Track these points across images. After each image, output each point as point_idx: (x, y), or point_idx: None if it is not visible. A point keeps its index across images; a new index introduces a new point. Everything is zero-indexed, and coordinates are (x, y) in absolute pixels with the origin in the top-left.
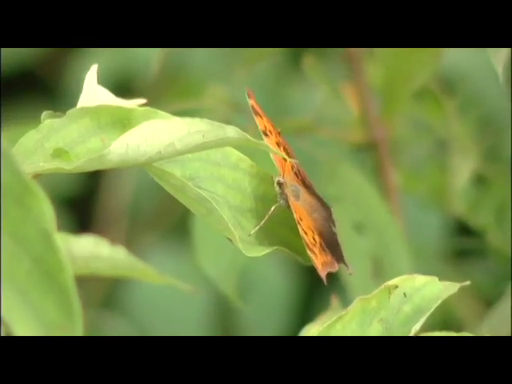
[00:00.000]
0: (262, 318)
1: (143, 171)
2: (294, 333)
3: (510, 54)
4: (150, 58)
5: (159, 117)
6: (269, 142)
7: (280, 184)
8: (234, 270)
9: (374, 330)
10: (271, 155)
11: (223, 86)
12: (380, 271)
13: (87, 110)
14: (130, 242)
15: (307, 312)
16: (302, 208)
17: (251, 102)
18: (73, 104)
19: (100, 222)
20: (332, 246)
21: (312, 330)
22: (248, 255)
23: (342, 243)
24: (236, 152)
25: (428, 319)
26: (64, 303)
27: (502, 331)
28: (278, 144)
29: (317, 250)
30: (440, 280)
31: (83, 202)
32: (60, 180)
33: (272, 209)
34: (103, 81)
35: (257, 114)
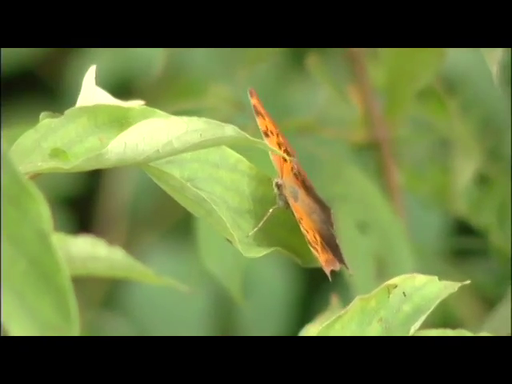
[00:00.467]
0: (262, 318)
1: (142, 171)
2: (294, 333)
3: (503, 54)
4: (153, 59)
5: (157, 116)
6: (269, 143)
7: (278, 186)
8: (238, 268)
9: (374, 329)
10: (271, 156)
11: (225, 86)
12: (383, 271)
13: (85, 110)
14: (130, 242)
15: (307, 312)
16: (301, 209)
17: (253, 101)
18: (73, 104)
19: (100, 223)
20: (331, 247)
21: (312, 329)
22: (247, 256)
23: (341, 245)
24: (234, 153)
25: (428, 319)
26: (61, 304)
27: (503, 331)
28: (279, 145)
29: (319, 248)
30: (440, 279)
31: (83, 202)
32: (60, 180)
33: (270, 210)
34: (103, 81)
35: (258, 113)
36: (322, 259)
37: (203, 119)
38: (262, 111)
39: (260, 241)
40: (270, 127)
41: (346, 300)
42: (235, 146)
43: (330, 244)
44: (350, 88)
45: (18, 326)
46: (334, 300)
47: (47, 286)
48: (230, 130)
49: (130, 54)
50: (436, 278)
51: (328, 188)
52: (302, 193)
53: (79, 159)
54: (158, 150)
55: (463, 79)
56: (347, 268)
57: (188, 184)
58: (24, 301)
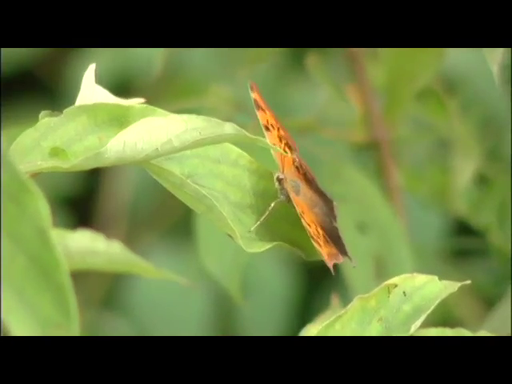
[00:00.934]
0: (262, 318)
1: (142, 170)
2: (294, 333)
3: (504, 54)
4: (153, 58)
5: (156, 114)
6: (270, 137)
7: (280, 180)
8: (237, 267)
9: (374, 329)
10: (272, 150)
11: (225, 86)
12: (383, 271)
13: (84, 108)
14: (129, 242)
15: (307, 312)
16: (302, 203)
17: (254, 95)
18: (72, 104)
19: (99, 222)
20: (334, 240)
21: (312, 329)
22: (249, 251)
23: (343, 237)
24: (235, 148)
25: (428, 318)
26: (60, 301)
27: (503, 331)
28: (279, 138)
29: (321, 242)
30: (440, 279)
31: (83, 201)
32: (59, 180)
33: (272, 204)
34: (103, 81)
35: (259, 107)
36: (325, 253)
37: (202, 117)
38: (263, 105)
39: (262, 235)
40: (271, 121)
41: (346, 299)
42: (235, 142)
43: (333, 237)
44: (349, 88)
45: (18, 323)
46: (335, 299)
47: (47, 282)
48: (229, 128)
49: (129, 53)
50: (436, 277)
51: (327, 188)
52: (303, 186)
53: (78, 158)
54: (158, 149)
55: (463, 79)
56: (350, 260)
57: (188, 180)
58: (23, 297)
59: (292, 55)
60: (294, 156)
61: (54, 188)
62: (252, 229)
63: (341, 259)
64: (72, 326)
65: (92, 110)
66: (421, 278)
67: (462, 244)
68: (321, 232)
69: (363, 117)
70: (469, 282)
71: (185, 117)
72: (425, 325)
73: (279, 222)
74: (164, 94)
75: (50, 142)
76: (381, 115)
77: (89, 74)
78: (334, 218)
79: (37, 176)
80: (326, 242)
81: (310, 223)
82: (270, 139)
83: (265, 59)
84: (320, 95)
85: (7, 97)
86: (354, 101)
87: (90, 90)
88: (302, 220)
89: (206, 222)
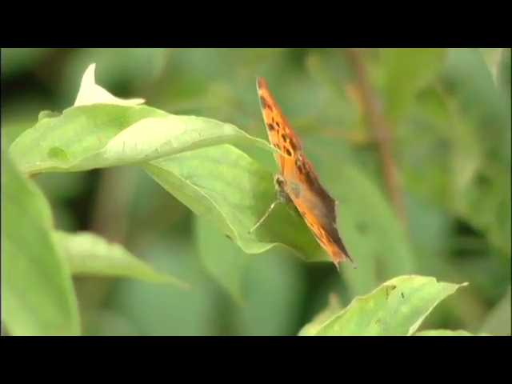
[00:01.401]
0: (262, 318)
1: (142, 171)
2: (294, 333)
3: (504, 54)
4: (153, 58)
5: (156, 115)
6: (273, 136)
7: (279, 182)
8: (237, 268)
9: (372, 330)
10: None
11: (225, 86)
12: (383, 271)
13: (83, 109)
14: (129, 242)
15: (307, 312)
16: (302, 205)
17: (261, 92)
18: (72, 104)
19: (99, 223)
20: (335, 241)
21: (311, 329)
22: (248, 252)
23: (343, 239)
24: (235, 149)
25: (427, 319)
26: (61, 303)
27: (503, 331)
28: (283, 137)
29: (325, 241)
30: (439, 280)
31: (82, 202)
32: (59, 180)
33: (272, 206)
34: (103, 81)
35: (266, 105)
36: (330, 251)
37: (202, 118)
38: (270, 102)
39: (261, 236)
40: (277, 119)
41: (345, 300)
42: (235, 144)
43: (333, 238)
44: (349, 88)
45: (19, 325)
46: (334, 300)
47: (48, 284)
48: (228, 129)
49: (129, 53)
50: (434, 279)
51: (328, 188)
52: (303, 188)
53: (78, 159)
54: (157, 150)
55: (463, 79)
56: (352, 261)
57: (187, 181)
58: (24, 299)
59: (292, 55)
60: (298, 155)
61: (54, 189)
62: (251, 230)
63: (344, 258)
64: (72, 329)
65: (91, 110)
66: (419, 280)
67: (462, 244)
68: (323, 232)
69: (363, 117)
70: (467, 283)
71: (184, 118)
72: (424, 325)
73: (279, 224)
74: (164, 94)
75: (49, 142)
76: (381, 115)
77: (88, 75)
78: (334, 219)
79: (36, 177)
80: (329, 241)
81: (313, 223)
82: (272, 138)
83: (265, 59)
84: (320, 95)
85: (7, 97)
86: (354, 101)
87: (90, 91)
88: (305, 219)
89: (206, 222)
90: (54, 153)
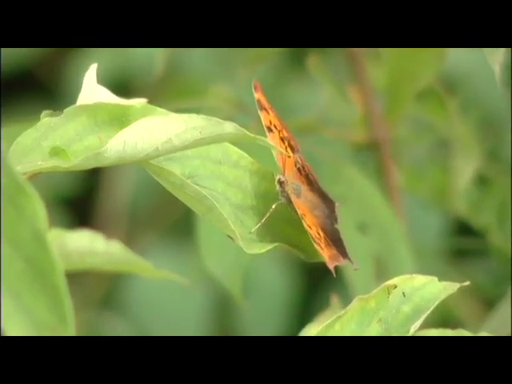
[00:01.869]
0: (262, 318)
1: (142, 170)
2: (294, 333)
3: (506, 54)
4: (153, 58)
5: (156, 113)
6: (272, 138)
7: (281, 182)
8: (238, 268)
9: (373, 330)
10: (273, 152)
11: (225, 86)
12: (383, 271)
13: (84, 108)
14: (129, 242)
15: (307, 312)
16: (303, 205)
17: (257, 95)
18: (73, 104)
19: (99, 222)
20: (335, 242)
21: (312, 329)
22: (249, 252)
23: (344, 240)
24: (237, 149)
25: (428, 319)
26: (56, 304)
27: (503, 331)
28: (282, 139)
29: (322, 244)
30: (440, 280)
31: (82, 201)
32: (59, 179)
33: (273, 206)
34: (103, 81)
35: (262, 108)
36: (326, 255)
37: (202, 116)
38: (267, 105)
39: (262, 237)
40: (274, 121)
41: (346, 300)
42: (236, 142)
43: (334, 239)
44: (350, 88)
45: (14, 327)
46: (334, 300)
47: (43, 286)
48: (229, 127)
49: (129, 53)
50: (435, 278)
51: (328, 188)
52: (304, 188)
53: (79, 158)
54: (158, 148)
55: (463, 79)
56: (352, 262)
57: (189, 181)
58: (20, 300)
59: (292, 55)
60: (297, 157)
61: (54, 188)
62: (253, 230)
63: (342, 261)
64: (68, 331)
65: (92, 109)
66: (420, 279)
67: (462, 244)
68: (322, 234)
69: (364, 117)
70: (468, 283)
71: (185, 116)
72: (424, 325)
73: (280, 224)
74: (164, 94)
75: (50, 141)
76: (381, 115)
77: (90, 74)
78: (335, 219)
79: (37, 176)
80: (328, 244)
81: (311, 225)
82: (271, 140)
83: (265, 59)
84: (320, 95)
85: (7, 97)
86: (354, 101)
87: (92, 90)
88: (304, 222)
89: (207, 222)
90: (55, 152)
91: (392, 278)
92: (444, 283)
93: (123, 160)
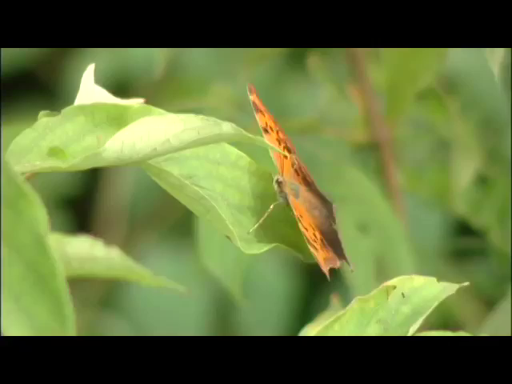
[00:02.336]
0: (262, 318)
1: (140, 171)
2: (294, 333)
3: (506, 54)
4: (153, 59)
5: (155, 114)
6: (269, 139)
7: (279, 183)
8: (239, 268)
9: (372, 330)
10: (271, 153)
11: (226, 86)
12: (383, 271)
13: (82, 108)
14: (129, 243)
15: (307, 312)
16: (301, 206)
17: (252, 97)
18: (71, 104)
19: (98, 223)
20: (333, 243)
21: (311, 330)
22: (247, 253)
23: (342, 241)
24: (235, 150)
25: (428, 319)
26: (57, 308)
27: (503, 331)
28: (278, 141)
29: (318, 246)
30: (439, 280)
31: (82, 202)
32: (58, 180)
33: (271, 206)
34: (103, 81)
35: (258, 110)
36: (321, 258)
37: (200, 117)
38: (262, 108)
39: (261, 237)
40: (270, 123)
41: (346, 300)
42: (235, 143)
43: (332, 240)
44: (350, 88)
45: (15, 330)
46: (334, 300)
47: (43, 289)
48: (226, 128)
49: (129, 53)
50: (435, 279)
51: (328, 188)
52: (302, 189)
53: (77, 158)
54: (156, 149)
55: (463, 79)
56: (349, 264)
57: (187, 182)
58: (20, 304)
59: (292, 55)
60: (294, 158)
61: (53, 188)
62: (251, 230)
63: (337, 264)
64: (68, 334)
65: (90, 109)
66: (419, 280)
67: (462, 244)
68: (318, 236)
69: (364, 117)
70: (467, 283)
71: (183, 116)
72: (424, 325)
73: (278, 224)
74: (164, 94)
75: (48, 142)
76: (381, 115)
77: (88, 75)
78: (334, 220)
79: (35, 176)
80: (324, 246)
81: (308, 227)
82: (268, 142)
83: (265, 59)
84: (321, 95)
85: (7, 97)
86: (354, 101)
87: (89, 91)
88: (299, 224)
89: (207, 223)
90: (54, 152)
91: (392, 277)
92: (443, 284)
93: (121, 160)
